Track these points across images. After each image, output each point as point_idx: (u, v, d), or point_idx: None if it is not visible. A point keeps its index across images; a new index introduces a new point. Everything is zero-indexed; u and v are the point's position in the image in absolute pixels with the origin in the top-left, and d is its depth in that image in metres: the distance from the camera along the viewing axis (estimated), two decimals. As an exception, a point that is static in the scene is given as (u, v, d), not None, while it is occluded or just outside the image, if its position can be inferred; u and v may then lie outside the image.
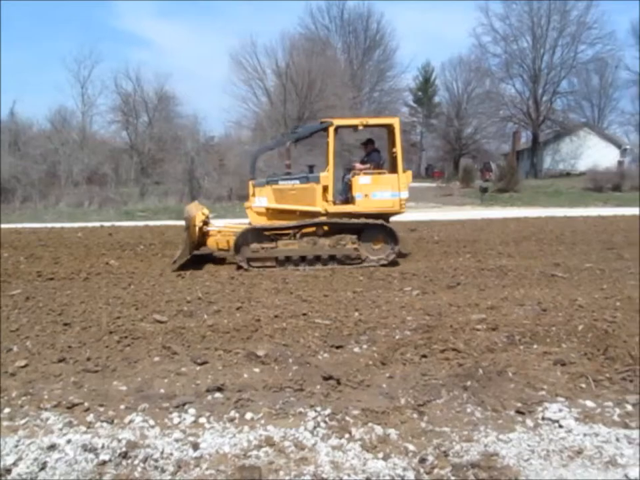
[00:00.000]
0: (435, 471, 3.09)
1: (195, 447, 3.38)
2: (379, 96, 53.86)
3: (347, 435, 3.49)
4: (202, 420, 3.74)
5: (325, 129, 10.11)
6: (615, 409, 3.90)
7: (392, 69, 54.67)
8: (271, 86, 39.07)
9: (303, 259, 9.72)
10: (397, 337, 5.44)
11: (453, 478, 3.03)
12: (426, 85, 64.25)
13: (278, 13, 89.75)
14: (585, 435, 3.52)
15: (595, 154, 45.03)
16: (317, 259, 9.74)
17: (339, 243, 9.78)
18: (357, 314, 6.32)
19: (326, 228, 9.97)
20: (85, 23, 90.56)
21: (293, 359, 4.85)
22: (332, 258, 9.77)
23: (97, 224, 17.58)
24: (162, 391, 4.24)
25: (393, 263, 9.92)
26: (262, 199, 10.09)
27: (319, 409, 3.83)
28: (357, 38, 52.72)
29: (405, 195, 9.94)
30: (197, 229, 10.05)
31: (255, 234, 9.81)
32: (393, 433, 3.51)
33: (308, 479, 3.02)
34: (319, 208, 9.97)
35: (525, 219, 18.61)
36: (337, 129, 10.18)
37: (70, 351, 5.12)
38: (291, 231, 9.88)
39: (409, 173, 10.20)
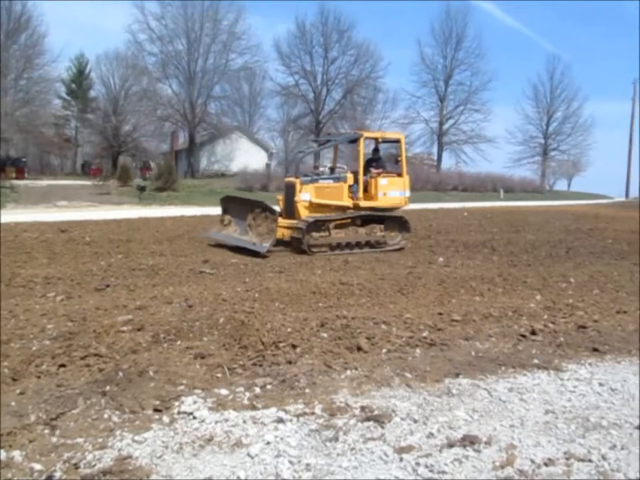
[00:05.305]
0: (63, 486, 2.94)
1: None
2: (26, 84, 49.07)
3: (-42, 468, 3.08)
4: None
5: (357, 140, 12.67)
6: (245, 394, 4.23)
7: (41, 56, 50.08)
8: None
9: (347, 245, 12.02)
10: (34, 348, 5.03)
11: (82, 490, 2.92)
12: (80, 77, 60.89)
13: None
14: (216, 422, 3.74)
15: (246, 156, 48.65)
16: (356, 244, 12.15)
17: (372, 232, 12.36)
18: (-14, 327, 5.66)
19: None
20: None
21: None
22: (366, 243, 12.30)
23: None
24: None
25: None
26: (306, 194, 12.07)
27: None
28: (-1, 17, 46.96)
29: (408, 193, 13.07)
30: None
31: (315, 225, 11.60)
32: (17, 454, 3.21)
33: None
34: (346, 203, 12.41)
35: (181, 218, 19.17)
36: (365, 139, 12.82)
37: None
38: (331, 223, 12.03)
39: (408, 176, 13.13)
